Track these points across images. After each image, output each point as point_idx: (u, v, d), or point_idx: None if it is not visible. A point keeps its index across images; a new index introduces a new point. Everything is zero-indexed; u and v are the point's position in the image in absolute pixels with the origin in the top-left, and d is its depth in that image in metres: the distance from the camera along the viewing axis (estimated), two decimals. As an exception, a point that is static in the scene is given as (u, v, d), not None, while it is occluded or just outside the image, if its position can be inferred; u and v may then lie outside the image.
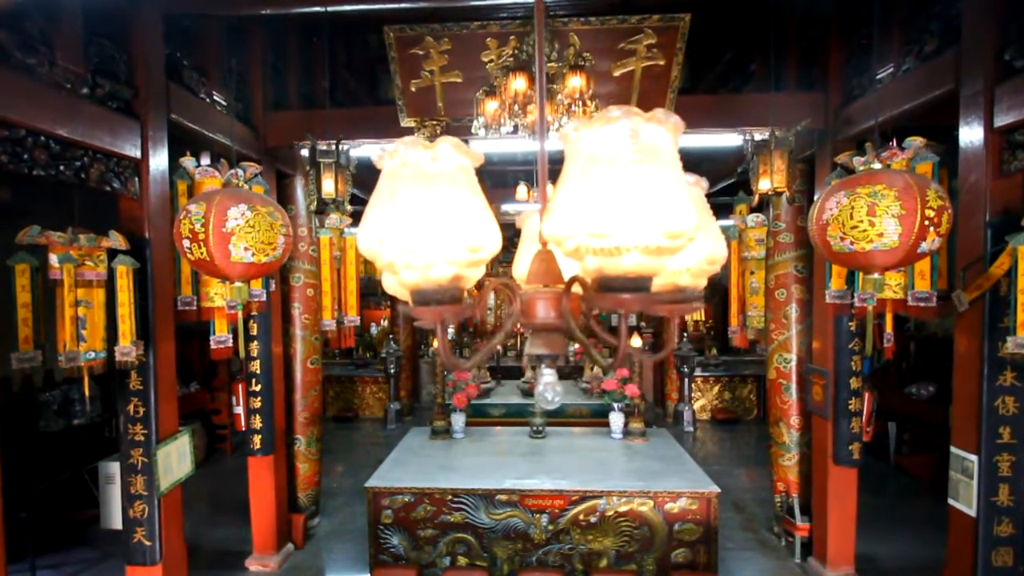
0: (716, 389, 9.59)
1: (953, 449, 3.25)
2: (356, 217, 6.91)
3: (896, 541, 5.15)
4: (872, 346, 3.43)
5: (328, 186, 3.77)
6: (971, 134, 3.11)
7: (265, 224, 2.70)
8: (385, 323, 11.53)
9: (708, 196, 1.15)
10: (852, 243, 2.48)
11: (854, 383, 4.38)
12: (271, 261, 2.77)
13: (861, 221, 2.43)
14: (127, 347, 2.97)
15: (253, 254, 2.67)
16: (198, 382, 8.18)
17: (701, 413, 9.49)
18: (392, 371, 9.45)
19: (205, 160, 3.79)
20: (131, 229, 3.33)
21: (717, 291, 10.59)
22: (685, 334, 9.37)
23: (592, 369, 7.68)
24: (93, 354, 2.84)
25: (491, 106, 2.90)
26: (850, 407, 4.37)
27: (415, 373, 10.86)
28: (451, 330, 11.13)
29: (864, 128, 4.03)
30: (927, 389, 7.10)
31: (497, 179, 9.12)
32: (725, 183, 6.70)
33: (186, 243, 2.64)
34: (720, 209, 3.35)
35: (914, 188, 2.36)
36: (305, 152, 4.27)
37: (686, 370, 8.96)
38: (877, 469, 6.84)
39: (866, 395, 4.46)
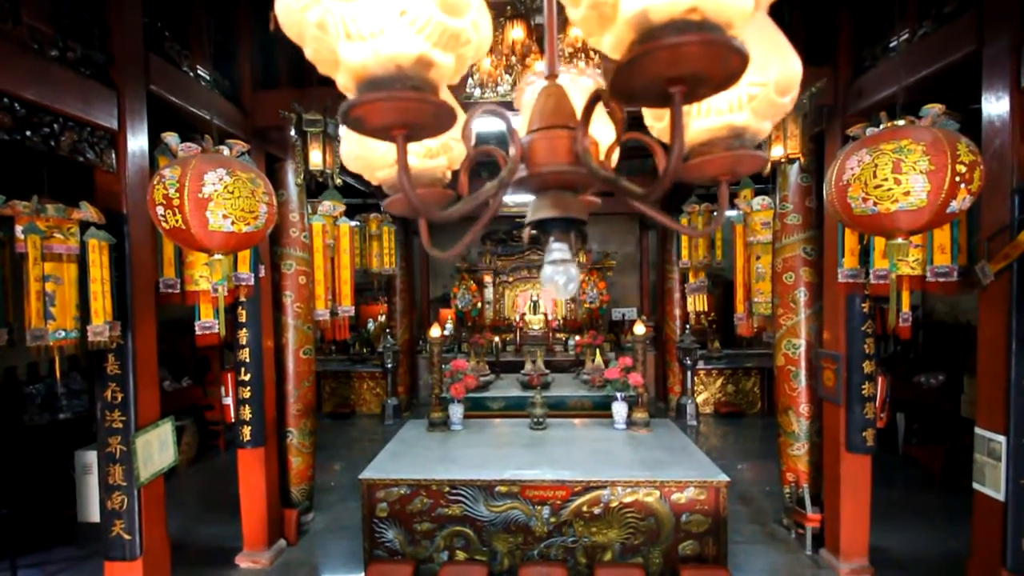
0: (719, 382, 9.41)
1: (978, 430, 3.07)
2: (350, 209, 6.69)
3: (908, 532, 4.98)
4: (883, 329, 3.26)
5: (316, 158, 3.58)
6: (995, 96, 2.93)
7: (246, 191, 2.52)
8: (382, 318, 11.33)
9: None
10: (875, 204, 2.30)
11: (867, 367, 4.20)
12: (253, 231, 2.59)
13: (886, 179, 2.25)
14: (100, 326, 2.78)
15: (233, 223, 2.48)
16: (190, 377, 7.99)
17: (704, 407, 9.31)
18: (389, 366, 9.26)
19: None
20: (108, 204, 3.14)
21: (719, 282, 10.41)
22: (687, 326, 9.17)
23: (593, 361, 7.51)
24: (63, 333, 2.66)
25: (485, 62, 2.73)
26: (863, 392, 4.19)
27: (413, 368, 10.67)
28: (449, 325, 10.84)
29: (877, 100, 3.86)
30: (936, 378, 6.93)
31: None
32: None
33: (160, 210, 2.46)
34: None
35: (943, 142, 2.19)
36: (294, 133, 4.08)
37: (688, 363, 8.78)
38: (886, 460, 6.65)
39: (879, 379, 4.29)
